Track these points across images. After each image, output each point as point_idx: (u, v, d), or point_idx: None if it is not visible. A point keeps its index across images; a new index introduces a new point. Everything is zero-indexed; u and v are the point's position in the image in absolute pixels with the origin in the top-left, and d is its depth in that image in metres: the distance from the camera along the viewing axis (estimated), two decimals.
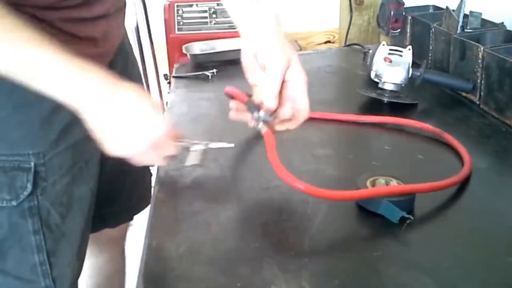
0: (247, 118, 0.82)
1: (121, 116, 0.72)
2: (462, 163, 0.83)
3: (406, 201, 0.71)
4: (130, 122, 0.72)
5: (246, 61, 0.82)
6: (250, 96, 0.82)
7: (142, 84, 1.19)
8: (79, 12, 0.82)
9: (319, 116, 1.03)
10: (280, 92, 0.80)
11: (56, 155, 0.85)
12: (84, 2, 0.83)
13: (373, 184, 0.74)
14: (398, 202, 0.70)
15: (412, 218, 0.68)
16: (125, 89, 0.72)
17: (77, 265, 0.94)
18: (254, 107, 0.80)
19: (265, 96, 0.79)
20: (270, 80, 0.79)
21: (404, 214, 0.68)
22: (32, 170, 0.82)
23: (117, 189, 1.13)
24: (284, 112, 0.82)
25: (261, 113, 0.78)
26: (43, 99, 0.82)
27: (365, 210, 0.72)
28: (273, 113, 0.80)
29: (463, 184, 0.79)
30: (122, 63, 1.00)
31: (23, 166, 0.82)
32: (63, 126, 0.85)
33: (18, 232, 0.85)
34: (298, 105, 0.81)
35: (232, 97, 0.86)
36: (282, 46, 0.79)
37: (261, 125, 0.79)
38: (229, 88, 0.88)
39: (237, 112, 0.85)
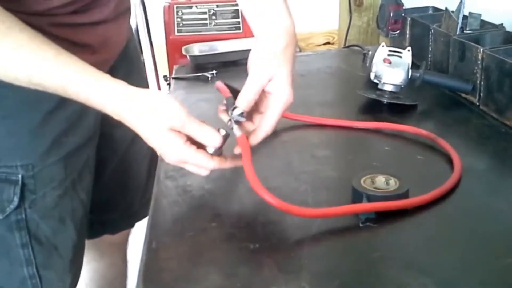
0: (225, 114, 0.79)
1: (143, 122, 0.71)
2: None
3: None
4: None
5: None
6: (236, 92, 0.80)
7: None
8: (72, 19, 0.80)
9: (313, 121, 1.02)
10: (260, 102, 0.78)
11: (47, 167, 0.83)
12: (78, 10, 0.80)
13: (373, 182, 0.75)
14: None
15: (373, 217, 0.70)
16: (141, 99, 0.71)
17: (70, 278, 0.92)
18: (231, 105, 0.78)
19: (239, 97, 0.77)
20: (246, 85, 0.77)
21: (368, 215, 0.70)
22: (20, 182, 0.81)
23: (117, 197, 1.12)
24: (256, 122, 0.80)
25: (235, 112, 0.76)
26: (34, 109, 0.81)
27: None
28: (246, 115, 0.77)
29: (463, 185, 0.79)
30: (125, 70, 0.97)
31: (10, 179, 0.81)
32: (55, 136, 0.84)
33: (5, 245, 0.84)
34: (264, 120, 0.77)
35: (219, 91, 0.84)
36: (270, 56, 0.77)
37: (235, 127, 0.76)
38: (219, 83, 0.87)
39: (220, 108, 0.81)
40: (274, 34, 0.78)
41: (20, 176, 0.81)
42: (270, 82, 0.77)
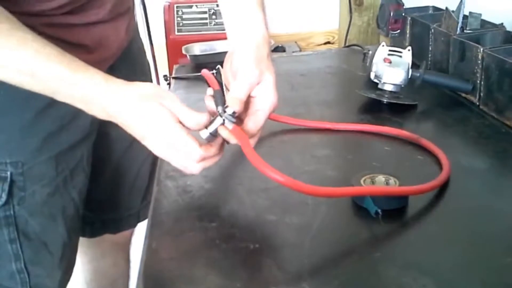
0: (213, 107, 0.77)
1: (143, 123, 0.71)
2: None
3: (384, 199, 0.72)
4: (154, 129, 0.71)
5: (225, 65, 0.81)
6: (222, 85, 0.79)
7: None
8: (66, 19, 0.80)
9: (293, 122, 1.00)
10: (246, 107, 0.78)
11: (37, 164, 0.84)
12: (72, 11, 0.80)
13: (373, 181, 0.74)
14: (378, 198, 0.71)
15: (380, 213, 0.70)
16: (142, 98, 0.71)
17: (60, 275, 0.93)
18: (220, 100, 0.76)
19: (230, 97, 0.76)
20: (236, 86, 0.76)
21: (379, 210, 0.70)
22: (8, 179, 0.81)
23: (117, 197, 1.12)
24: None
25: (227, 110, 0.74)
26: (25, 107, 0.81)
27: (364, 210, 0.72)
28: (236, 116, 0.76)
29: (463, 184, 0.79)
30: (127, 70, 0.96)
31: None
32: (46, 134, 0.84)
33: None
34: (252, 121, 0.77)
35: (207, 82, 0.82)
36: (258, 61, 0.77)
37: (226, 121, 0.74)
38: (206, 72, 0.86)
39: (208, 99, 0.79)
40: (256, 42, 0.78)
41: (9, 173, 0.81)
42: (257, 86, 0.77)
